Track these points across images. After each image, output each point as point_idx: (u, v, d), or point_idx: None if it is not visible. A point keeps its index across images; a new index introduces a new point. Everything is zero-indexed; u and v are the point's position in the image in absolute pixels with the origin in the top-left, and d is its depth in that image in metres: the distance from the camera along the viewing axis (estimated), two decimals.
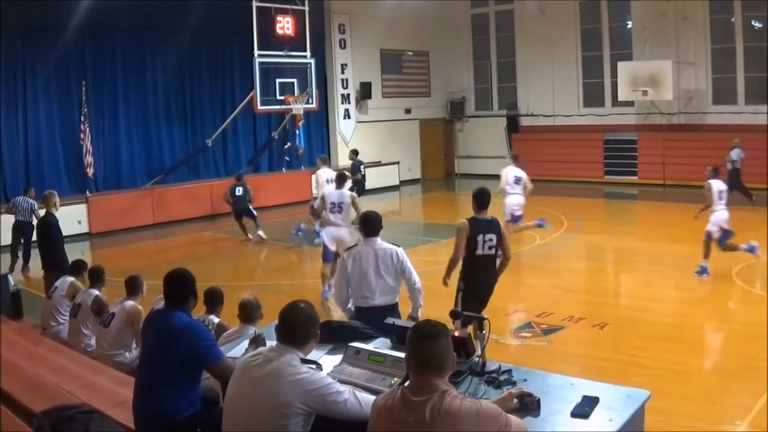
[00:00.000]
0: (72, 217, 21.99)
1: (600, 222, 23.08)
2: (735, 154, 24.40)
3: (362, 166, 23.76)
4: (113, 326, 9.18)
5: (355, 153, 24.00)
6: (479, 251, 9.72)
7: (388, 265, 8.69)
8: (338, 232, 14.56)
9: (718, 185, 15.31)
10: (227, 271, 18.05)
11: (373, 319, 7.24)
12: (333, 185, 16.14)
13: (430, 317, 4.45)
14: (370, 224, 8.89)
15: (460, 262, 9.94)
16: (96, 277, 10.44)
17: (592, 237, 20.45)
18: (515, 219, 17.81)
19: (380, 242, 8.82)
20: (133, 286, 9.59)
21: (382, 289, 8.67)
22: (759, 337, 11.49)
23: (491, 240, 9.72)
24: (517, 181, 17.77)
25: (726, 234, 15.02)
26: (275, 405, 4.60)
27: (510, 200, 17.64)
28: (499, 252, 9.93)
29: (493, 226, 9.81)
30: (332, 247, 14.50)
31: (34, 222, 16.90)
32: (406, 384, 4.27)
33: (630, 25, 31.53)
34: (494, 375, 5.44)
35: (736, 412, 8.55)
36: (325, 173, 18.99)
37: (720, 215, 15.09)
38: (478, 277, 9.81)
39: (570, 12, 32.59)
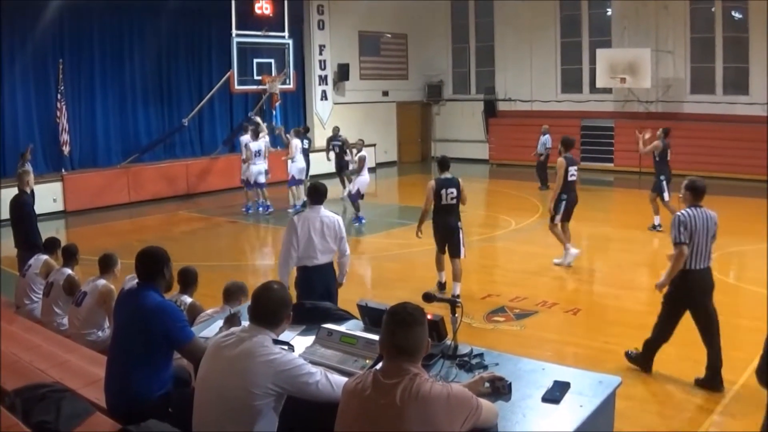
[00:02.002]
0: (47, 195, 21.96)
1: (575, 208, 23.09)
2: (548, 141, 26.29)
3: (334, 143, 24.93)
4: (85, 305, 9.15)
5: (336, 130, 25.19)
6: (444, 201, 13.01)
7: (331, 230, 9.66)
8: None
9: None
10: (202, 251, 18.01)
11: (316, 276, 9.54)
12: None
13: (405, 299, 4.44)
14: (318, 194, 9.89)
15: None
16: (69, 255, 10.41)
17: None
18: None
19: (323, 210, 9.79)
20: (106, 265, 9.56)
21: (323, 250, 9.64)
22: (732, 327, 11.54)
23: (452, 193, 13.00)
24: None
25: None
26: (246, 385, 4.61)
27: None
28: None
29: (453, 182, 13.10)
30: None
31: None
32: (378, 366, 4.28)
33: (610, 12, 31.56)
34: (466, 359, 5.46)
35: (708, 400, 8.62)
36: (297, 143, 22.80)
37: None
38: (442, 221, 13.21)
39: None
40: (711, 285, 9.34)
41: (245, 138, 23.22)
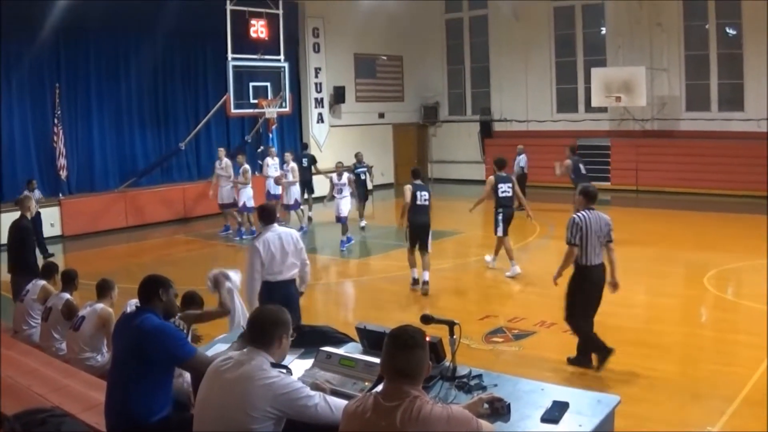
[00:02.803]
0: (45, 220, 21.86)
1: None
2: (522, 160, 26.86)
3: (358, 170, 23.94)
4: (84, 329, 9.13)
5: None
6: (419, 202, 15.27)
7: (290, 244, 10.11)
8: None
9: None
10: (200, 274, 17.98)
11: (280, 290, 9.90)
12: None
13: (403, 322, 4.46)
14: (269, 213, 10.40)
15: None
16: (69, 280, 10.39)
17: (564, 243, 20.49)
18: None
19: (278, 227, 10.31)
20: (103, 289, 9.56)
21: (289, 265, 10.11)
22: (730, 343, 11.60)
23: (425, 195, 15.38)
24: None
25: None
26: (245, 409, 4.62)
27: None
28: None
29: (425, 188, 15.67)
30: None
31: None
32: (379, 389, 4.30)
33: (604, 31, 31.66)
34: (465, 380, 5.48)
35: (706, 417, 8.59)
36: (271, 161, 24.24)
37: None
38: (417, 218, 15.35)
39: (544, 17, 32.72)
40: (603, 279, 10.46)
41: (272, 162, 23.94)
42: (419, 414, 3.99)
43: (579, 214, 10.40)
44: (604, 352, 10.22)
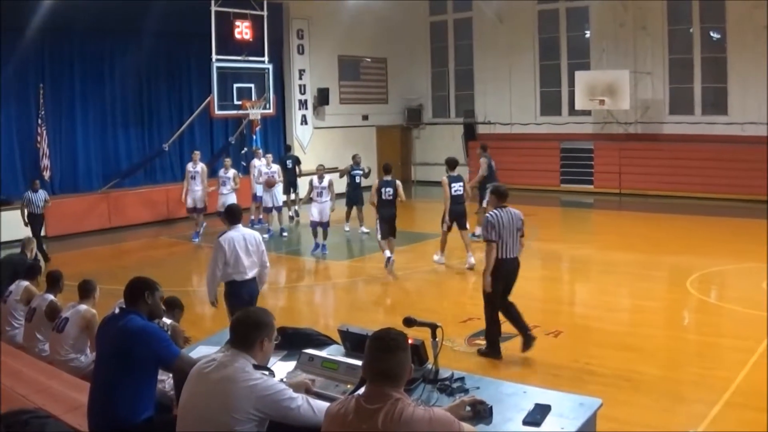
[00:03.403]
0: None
1: (556, 230, 23.16)
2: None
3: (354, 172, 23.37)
4: (68, 331, 9.13)
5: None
6: (383, 197, 17.18)
7: (254, 246, 10.48)
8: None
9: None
10: (182, 276, 17.99)
11: (245, 289, 10.36)
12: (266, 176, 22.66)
13: (389, 325, 4.47)
14: (234, 214, 10.81)
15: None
16: (53, 281, 10.40)
17: (547, 245, 20.50)
18: None
19: (243, 228, 10.64)
20: (86, 290, 9.56)
21: (250, 265, 10.43)
22: (713, 346, 11.63)
23: (390, 191, 17.18)
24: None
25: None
26: (228, 410, 4.63)
27: None
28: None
29: (391, 183, 17.33)
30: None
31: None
32: (361, 392, 4.30)
33: (588, 34, 31.73)
34: (447, 383, 5.53)
35: (689, 421, 8.62)
36: (257, 162, 23.67)
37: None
38: (385, 211, 17.24)
39: (528, 20, 32.78)
40: (516, 272, 11.19)
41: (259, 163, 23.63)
42: (401, 416, 4.01)
43: (493, 212, 10.98)
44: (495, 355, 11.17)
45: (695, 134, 28.50)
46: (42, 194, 19.76)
